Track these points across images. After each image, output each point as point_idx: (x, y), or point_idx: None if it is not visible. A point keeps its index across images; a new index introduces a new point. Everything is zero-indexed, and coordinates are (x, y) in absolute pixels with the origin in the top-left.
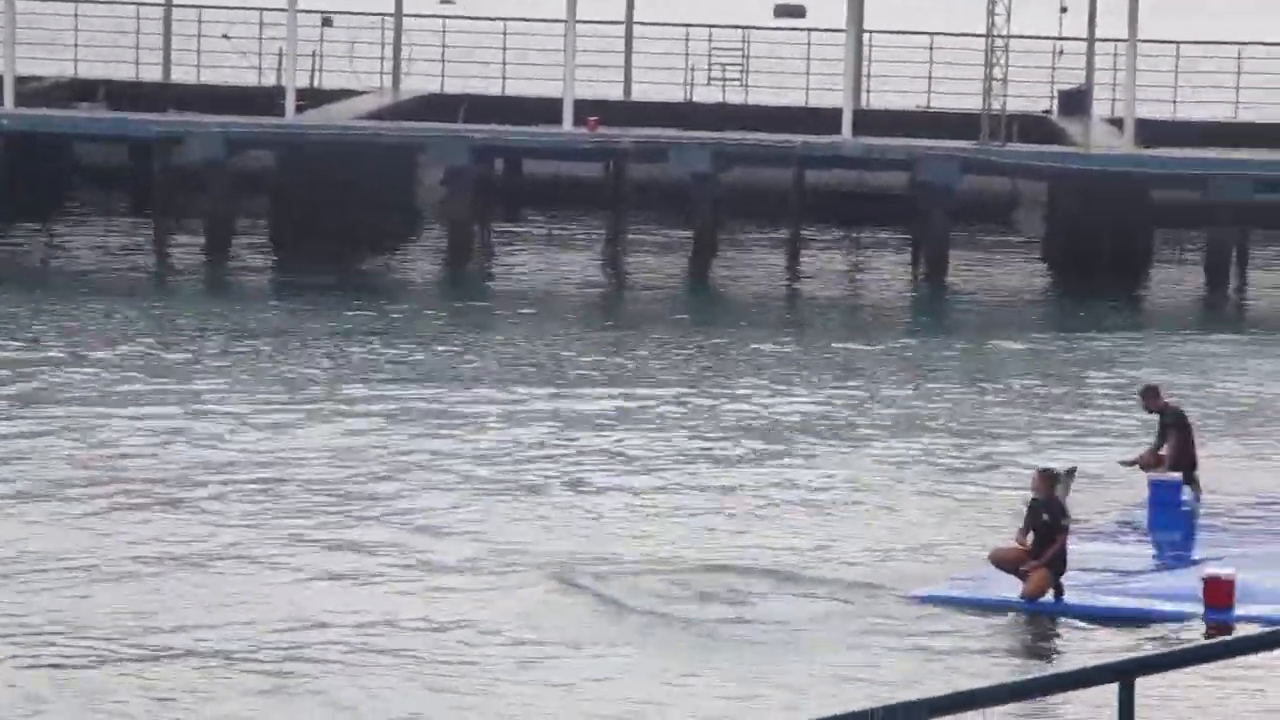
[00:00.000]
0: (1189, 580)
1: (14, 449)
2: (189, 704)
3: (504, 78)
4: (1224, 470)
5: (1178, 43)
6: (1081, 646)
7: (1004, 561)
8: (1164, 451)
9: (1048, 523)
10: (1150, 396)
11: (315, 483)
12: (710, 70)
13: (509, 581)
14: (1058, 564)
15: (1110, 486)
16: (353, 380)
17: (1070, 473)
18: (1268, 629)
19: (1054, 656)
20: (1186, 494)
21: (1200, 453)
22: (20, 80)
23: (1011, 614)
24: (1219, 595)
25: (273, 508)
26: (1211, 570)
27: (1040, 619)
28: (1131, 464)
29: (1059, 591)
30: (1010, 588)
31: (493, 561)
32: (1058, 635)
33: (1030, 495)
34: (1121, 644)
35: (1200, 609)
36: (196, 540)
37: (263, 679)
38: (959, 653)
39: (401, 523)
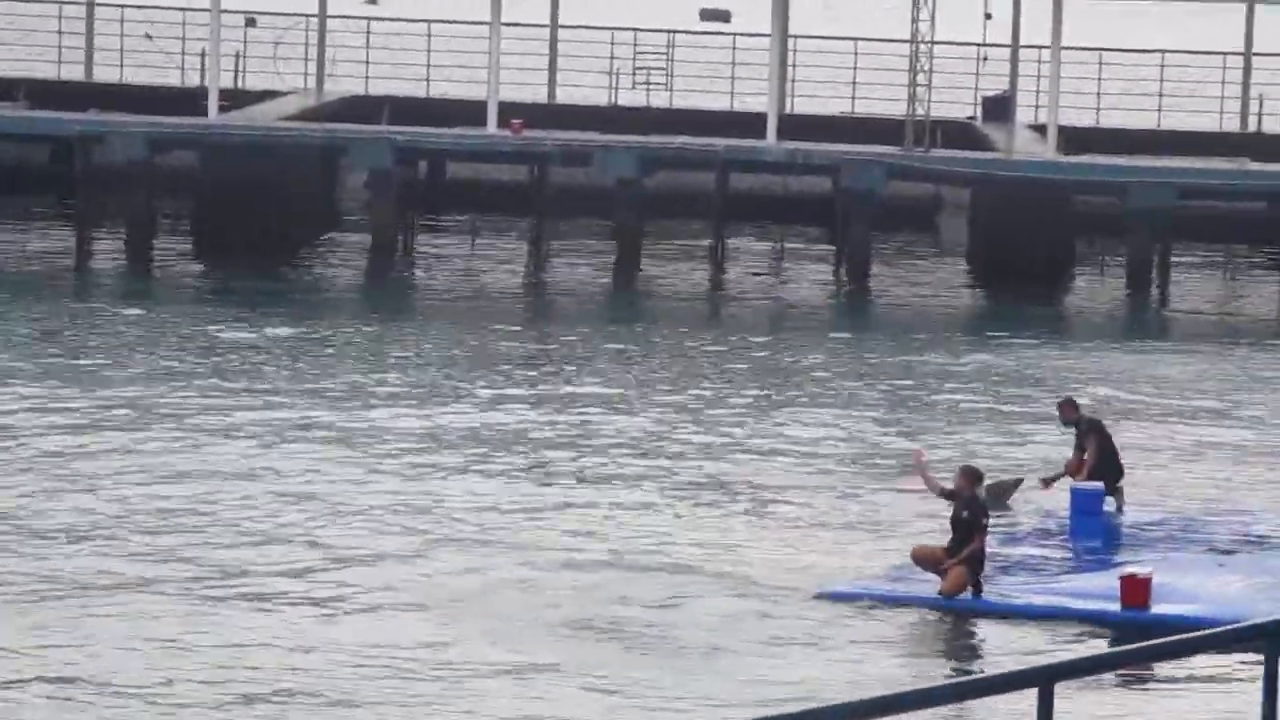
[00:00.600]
0: (1106, 580)
1: None
2: None
3: (428, 80)
4: (1144, 478)
5: (1101, 50)
6: (1000, 644)
7: (924, 559)
8: (1086, 457)
9: (967, 520)
10: (1067, 408)
11: (219, 501)
12: (635, 74)
13: (433, 601)
14: (976, 563)
15: (1031, 492)
16: (264, 394)
17: (1016, 483)
18: (1185, 635)
19: (973, 654)
20: (1109, 505)
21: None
22: None
23: (930, 611)
24: (1136, 594)
25: (175, 529)
26: (1129, 569)
27: (958, 616)
28: (1053, 480)
29: (977, 589)
30: (930, 585)
31: (412, 583)
32: (976, 633)
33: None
34: (1039, 641)
35: (1117, 608)
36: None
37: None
38: (880, 650)
39: (306, 545)
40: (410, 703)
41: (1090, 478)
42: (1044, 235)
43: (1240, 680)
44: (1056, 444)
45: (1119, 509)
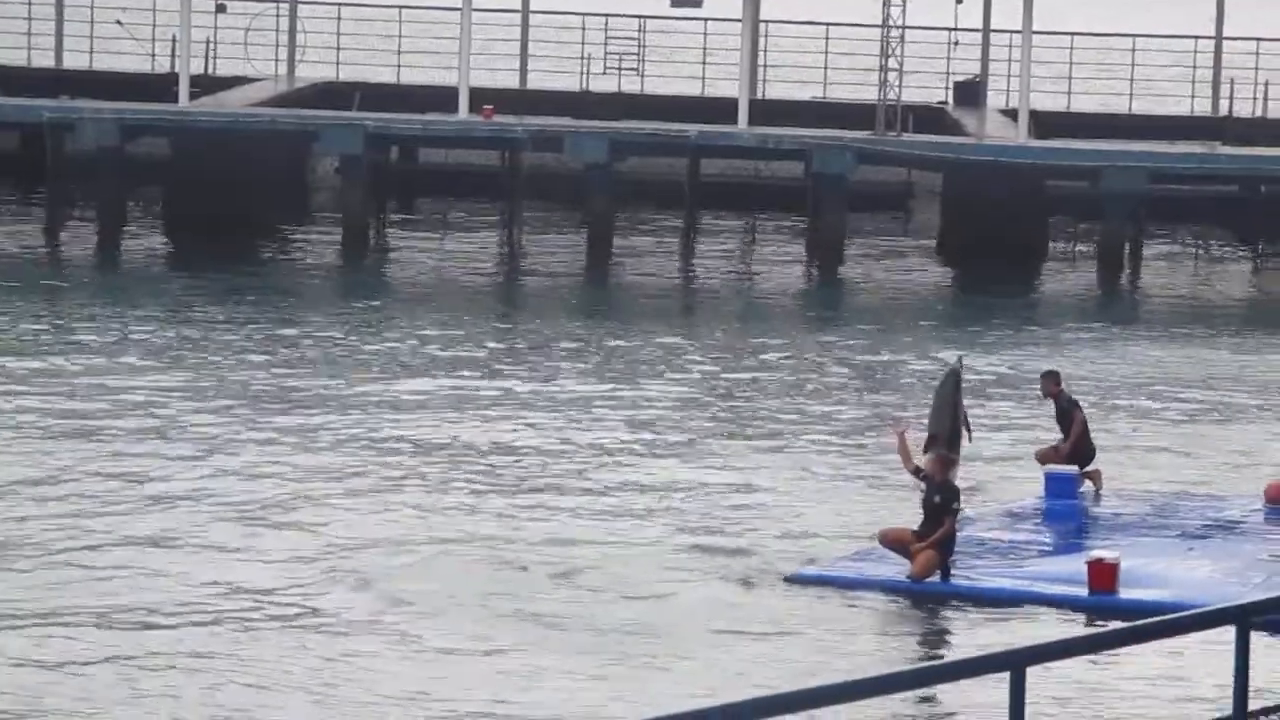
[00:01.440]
0: (1076, 565)
1: None
2: None
3: (399, 66)
4: (1117, 463)
5: (1072, 34)
6: (968, 628)
7: (893, 542)
8: (1069, 435)
9: (938, 504)
10: (1050, 381)
11: (172, 504)
12: (606, 59)
13: (403, 600)
14: (946, 546)
15: (1004, 478)
16: (237, 392)
17: (958, 361)
18: (1161, 618)
19: (942, 639)
20: (1086, 489)
21: (1095, 444)
22: None
23: (898, 594)
24: (1103, 579)
25: (125, 542)
26: (1096, 553)
27: (927, 599)
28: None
29: (945, 573)
30: (899, 568)
31: (382, 583)
32: (945, 616)
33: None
34: (1006, 625)
35: (1084, 592)
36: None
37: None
38: (849, 634)
39: (254, 554)
40: (384, 702)
41: (1072, 452)
42: (1016, 220)
43: (1210, 662)
44: (1031, 425)
45: (1096, 495)
